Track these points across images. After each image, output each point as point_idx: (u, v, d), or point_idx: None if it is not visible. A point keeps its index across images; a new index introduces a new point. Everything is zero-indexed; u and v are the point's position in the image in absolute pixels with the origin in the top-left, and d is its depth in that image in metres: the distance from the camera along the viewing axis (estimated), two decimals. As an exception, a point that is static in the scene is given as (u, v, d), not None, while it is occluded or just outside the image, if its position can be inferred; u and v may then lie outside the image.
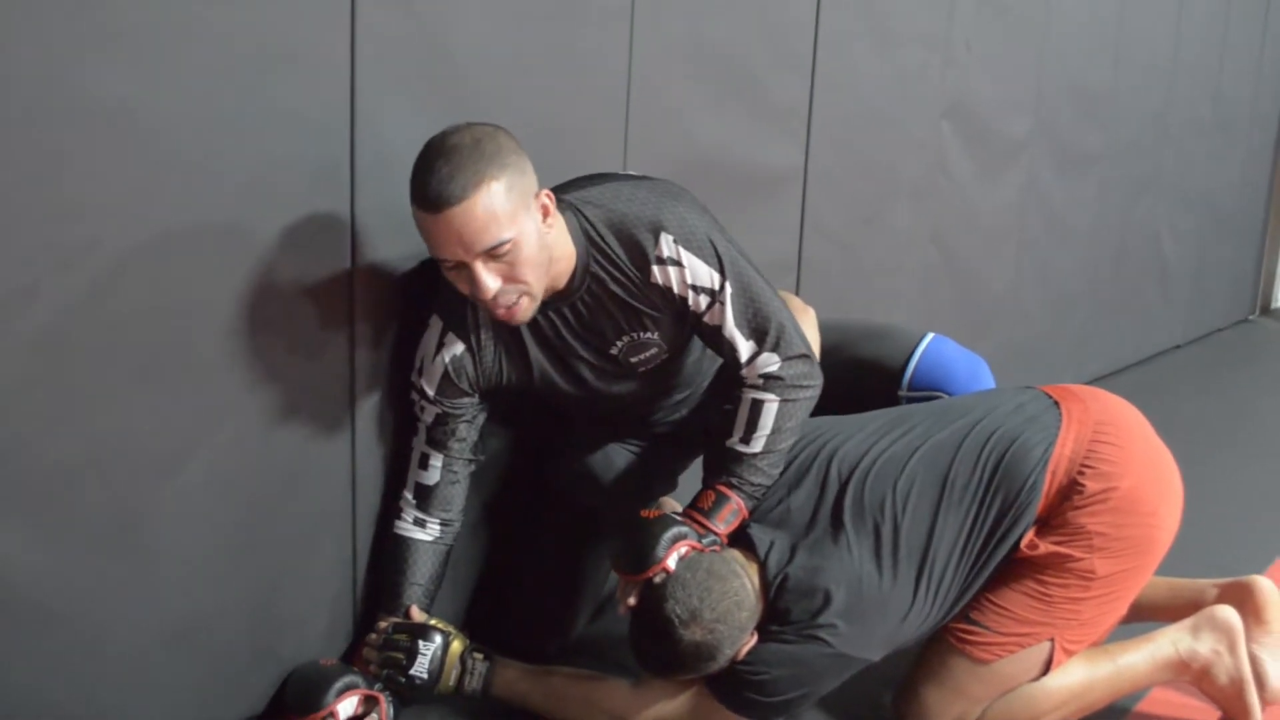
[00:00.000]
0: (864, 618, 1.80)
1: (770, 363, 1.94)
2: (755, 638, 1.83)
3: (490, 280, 1.75)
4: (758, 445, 1.93)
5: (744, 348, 1.94)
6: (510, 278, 1.77)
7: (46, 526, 1.64)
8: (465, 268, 1.75)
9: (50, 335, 1.59)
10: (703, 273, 1.90)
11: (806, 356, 1.97)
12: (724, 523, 1.92)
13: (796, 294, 2.85)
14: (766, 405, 1.94)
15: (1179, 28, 4.42)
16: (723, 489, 1.94)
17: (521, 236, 1.75)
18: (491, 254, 1.73)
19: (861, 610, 1.80)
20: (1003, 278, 3.76)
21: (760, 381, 1.95)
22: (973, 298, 3.62)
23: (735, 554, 1.88)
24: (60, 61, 1.53)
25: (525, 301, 1.81)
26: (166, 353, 1.73)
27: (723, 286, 1.91)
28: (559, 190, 1.94)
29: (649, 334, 1.96)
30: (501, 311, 1.81)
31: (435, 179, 1.69)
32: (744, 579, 1.83)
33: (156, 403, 1.73)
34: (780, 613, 1.82)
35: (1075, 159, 3.95)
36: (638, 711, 1.89)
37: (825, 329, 2.24)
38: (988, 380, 2.23)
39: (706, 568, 1.81)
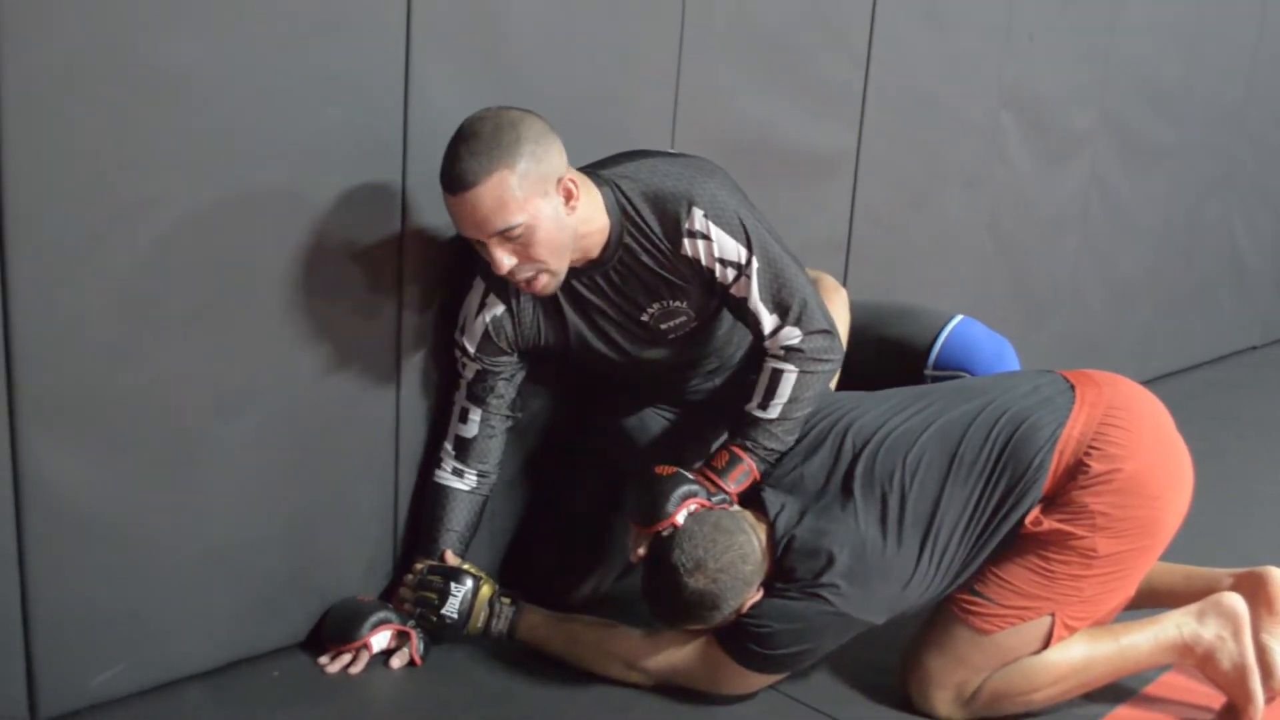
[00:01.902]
0: (866, 580, 1.87)
1: (792, 336, 2.02)
2: (761, 593, 1.92)
3: (504, 258, 1.88)
4: (774, 412, 2.02)
5: (767, 321, 2.02)
6: (525, 257, 1.89)
7: (108, 451, 1.79)
8: (483, 244, 1.88)
9: (116, 279, 1.73)
10: (730, 247, 1.98)
11: (828, 331, 2.04)
12: (735, 482, 2.01)
13: (845, 276, 2.92)
14: (785, 375, 2.02)
15: (1262, 22, 4.35)
16: (737, 450, 2.03)
17: (535, 221, 1.85)
18: (504, 235, 1.85)
19: (864, 573, 1.87)
20: (1062, 270, 3.76)
21: (781, 352, 2.03)
22: (1029, 288, 3.63)
23: (745, 513, 1.97)
24: (127, 31, 1.66)
25: (544, 278, 1.93)
26: (224, 302, 1.86)
27: (749, 261, 1.99)
28: (598, 166, 2.03)
29: (678, 303, 2.05)
30: (522, 285, 1.93)
31: (454, 162, 1.83)
32: (750, 536, 1.91)
33: (215, 346, 1.86)
34: (786, 572, 1.90)
35: (1143, 153, 3.92)
36: (648, 658, 1.99)
37: (856, 309, 2.31)
38: (1012, 362, 2.28)
39: (714, 522, 1.91)
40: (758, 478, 2.02)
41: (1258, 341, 5.06)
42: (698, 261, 2.00)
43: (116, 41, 1.65)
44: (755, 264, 2.00)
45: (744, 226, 1.99)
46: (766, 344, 2.04)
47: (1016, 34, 3.22)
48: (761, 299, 2.01)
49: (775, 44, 2.61)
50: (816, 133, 2.77)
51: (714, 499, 1.98)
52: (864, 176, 2.92)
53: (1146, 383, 3.97)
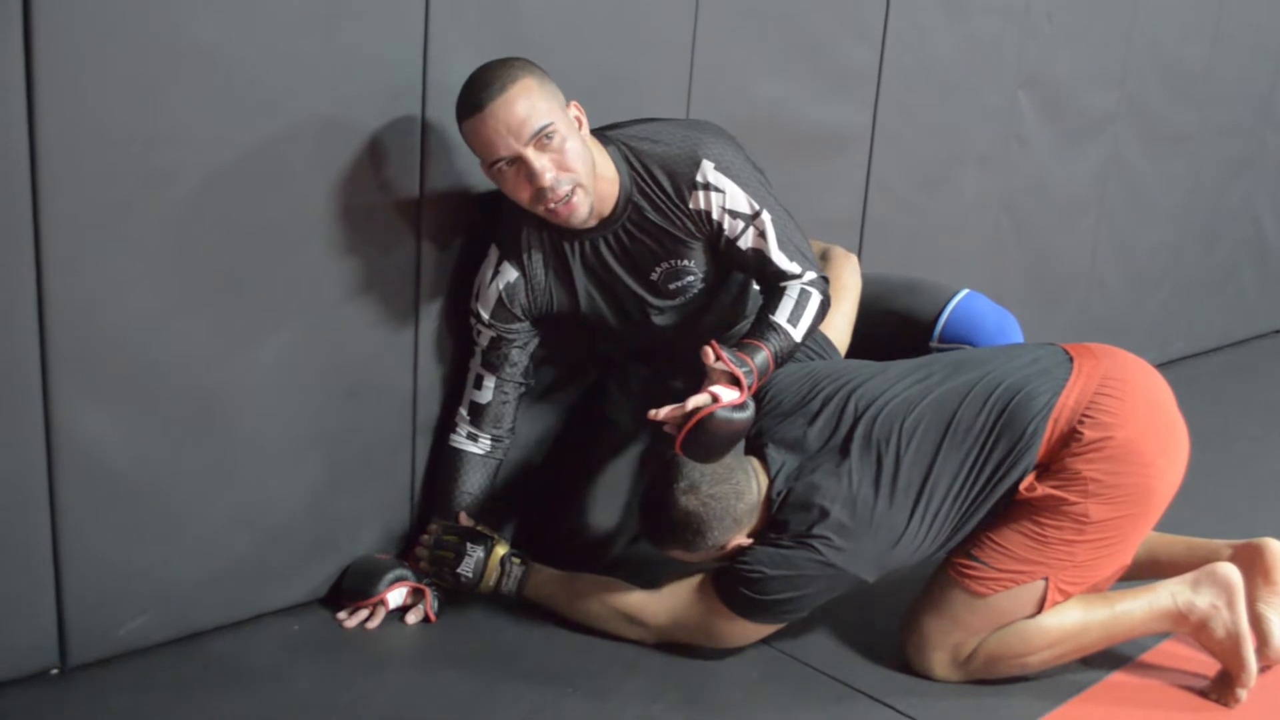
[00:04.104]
0: (856, 535, 1.93)
1: (815, 277, 2.12)
2: (751, 541, 1.98)
3: (544, 168, 1.92)
4: (799, 333, 2.07)
5: (792, 267, 2.09)
6: (561, 166, 1.93)
7: (138, 413, 1.87)
8: (520, 162, 1.92)
9: (145, 246, 1.81)
10: (741, 198, 2.06)
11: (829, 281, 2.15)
12: (756, 375, 2.00)
13: (859, 253, 2.96)
14: (813, 298, 2.08)
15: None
16: (762, 346, 2.03)
17: (563, 127, 1.93)
18: (539, 142, 1.91)
19: (855, 528, 1.92)
20: (1080, 250, 3.78)
21: (810, 279, 2.10)
22: (1046, 267, 3.65)
23: (753, 460, 2.03)
24: (156, 5, 1.73)
25: (580, 194, 1.97)
26: (246, 267, 1.93)
27: (759, 213, 2.06)
28: (602, 129, 2.10)
29: (686, 262, 2.12)
30: (560, 206, 1.96)
31: (474, 89, 1.91)
32: (752, 479, 1.98)
33: (236, 310, 1.94)
34: (780, 524, 1.97)
35: (1165, 136, 3.92)
36: (648, 612, 2.06)
37: (866, 281, 2.35)
38: (1016, 335, 2.32)
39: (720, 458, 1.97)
40: (772, 368, 2.04)
41: (1280, 326, 5.05)
42: (707, 214, 2.06)
43: (145, 15, 1.72)
44: (767, 215, 2.07)
45: (753, 181, 2.07)
46: (785, 288, 2.10)
47: (1035, 14, 3.25)
48: (782, 249, 2.08)
49: (790, 25, 2.65)
50: (830, 111, 2.81)
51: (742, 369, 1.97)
52: (878, 155, 2.96)
53: (1165, 365, 4.02)
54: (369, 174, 2.03)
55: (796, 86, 2.71)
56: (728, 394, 1.92)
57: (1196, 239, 4.30)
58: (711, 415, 1.90)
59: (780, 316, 2.06)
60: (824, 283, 2.12)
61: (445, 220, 2.15)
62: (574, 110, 2.00)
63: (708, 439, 1.93)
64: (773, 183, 2.16)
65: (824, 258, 2.35)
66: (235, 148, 1.86)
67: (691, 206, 2.06)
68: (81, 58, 1.68)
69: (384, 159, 2.04)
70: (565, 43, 2.23)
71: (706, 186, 2.04)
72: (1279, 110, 4.49)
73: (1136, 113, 3.75)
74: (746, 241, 2.08)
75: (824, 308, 2.10)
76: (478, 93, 1.91)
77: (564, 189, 1.95)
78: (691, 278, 2.15)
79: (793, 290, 2.08)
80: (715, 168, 2.04)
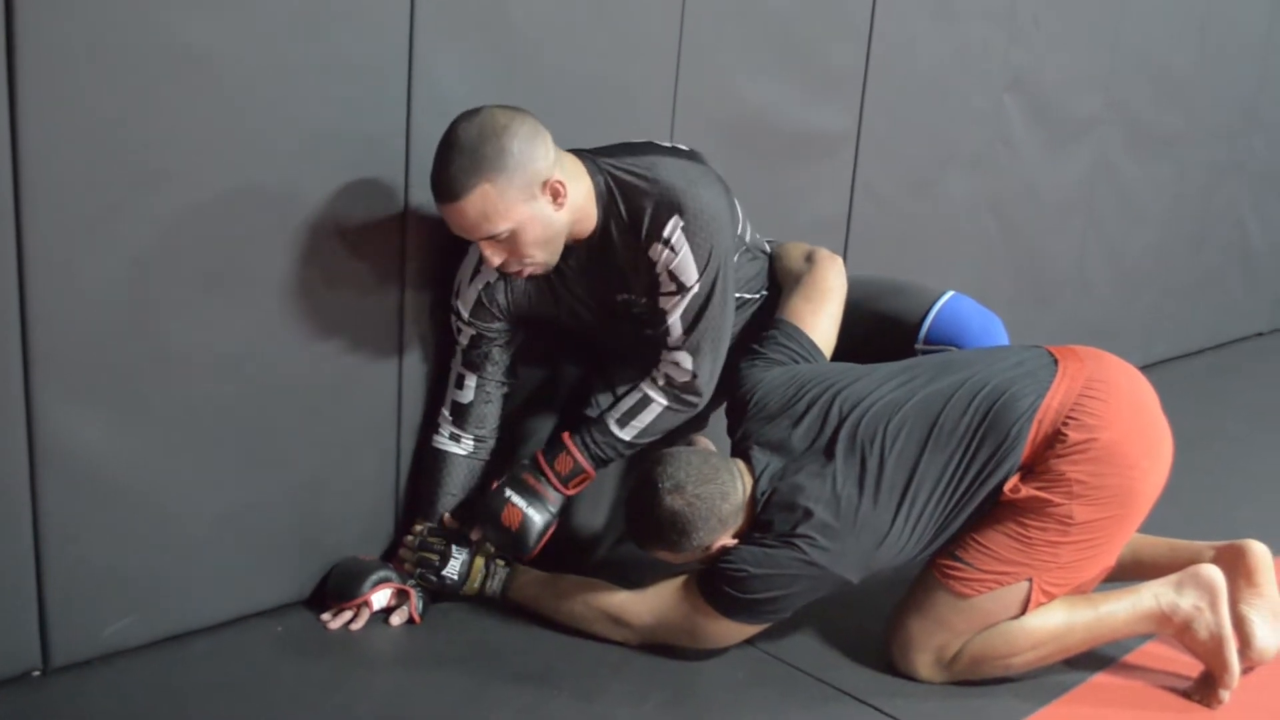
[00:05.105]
0: (841, 536, 1.93)
1: (684, 363, 2.12)
2: (735, 542, 1.99)
3: (494, 256, 1.98)
4: (628, 434, 2.14)
5: (675, 335, 2.10)
6: (514, 254, 1.98)
7: (120, 416, 1.86)
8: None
9: (130, 249, 1.80)
10: (689, 269, 2.04)
11: (699, 392, 2.16)
12: (574, 488, 2.16)
13: (845, 254, 2.96)
14: (653, 405, 2.14)
15: (1274, 8, 4.35)
16: (581, 459, 2.14)
17: (520, 225, 1.93)
18: (491, 239, 1.94)
19: (839, 529, 1.93)
20: (1067, 253, 3.79)
21: (662, 380, 2.13)
22: (1034, 270, 3.66)
23: (739, 462, 2.03)
24: (144, 9, 1.72)
25: (532, 267, 2.02)
26: (234, 273, 1.93)
27: (692, 286, 2.05)
28: (599, 152, 2.09)
29: (642, 300, 2.13)
30: (513, 274, 2.04)
31: (439, 172, 1.91)
32: (737, 480, 1.99)
33: (222, 313, 1.93)
34: (764, 524, 1.97)
35: (1152, 139, 3.94)
36: (632, 613, 2.06)
37: (851, 284, 2.35)
38: (1001, 337, 2.32)
39: (704, 455, 1.99)
40: (583, 466, 2.14)
41: (1264, 328, 5.07)
42: (654, 264, 2.06)
43: (133, 18, 1.72)
44: (694, 290, 2.06)
45: (710, 256, 2.04)
46: (662, 355, 2.13)
47: (1022, 18, 3.26)
48: (682, 317, 2.09)
49: (776, 28, 2.65)
50: (817, 115, 2.82)
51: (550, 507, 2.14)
52: (864, 158, 2.96)
53: (1150, 366, 4.03)
54: (355, 178, 2.02)
55: (782, 89, 2.71)
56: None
57: (1183, 242, 4.32)
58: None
59: (611, 416, 2.15)
60: (692, 385, 2.13)
61: (431, 223, 2.14)
62: (553, 185, 1.95)
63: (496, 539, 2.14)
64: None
65: (809, 260, 2.34)
66: (223, 152, 1.86)
67: (649, 254, 2.05)
68: (67, 57, 1.66)
69: (370, 164, 2.04)
70: (551, 49, 2.24)
71: (666, 242, 2.02)
72: (1264, 113, 4.52)
73: (1123, 116, 3.77)
74: (666, 303, 2.08)
75: (670, 415, 2.14)
76: (438, 182, 1.91)
77: (514, 268, 2.01)
78: (652, 313, 2.15)
79: (636, 392, 2.14)
80: (683, 227, 2.01)
